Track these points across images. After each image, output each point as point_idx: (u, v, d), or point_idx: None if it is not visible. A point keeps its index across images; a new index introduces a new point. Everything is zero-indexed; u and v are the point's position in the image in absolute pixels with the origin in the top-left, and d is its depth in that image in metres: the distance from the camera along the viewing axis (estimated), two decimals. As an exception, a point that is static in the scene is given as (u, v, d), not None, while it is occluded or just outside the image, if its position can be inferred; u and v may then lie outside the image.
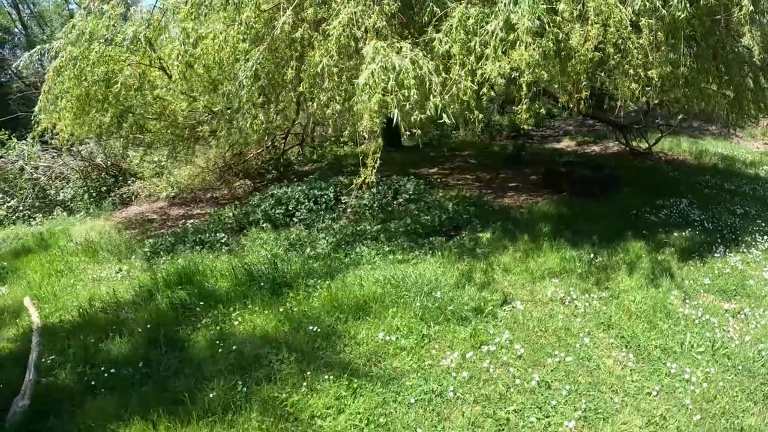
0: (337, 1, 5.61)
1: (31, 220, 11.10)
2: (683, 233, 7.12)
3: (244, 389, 4.01)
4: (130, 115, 8.63)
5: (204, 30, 6.08)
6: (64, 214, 11.15)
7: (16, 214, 11.28)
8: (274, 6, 6.11)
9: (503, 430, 3.65)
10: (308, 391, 3.96)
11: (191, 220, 9.12)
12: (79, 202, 11.61)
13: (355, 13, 5.33)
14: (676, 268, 6.13)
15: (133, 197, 11.61)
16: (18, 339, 5.25)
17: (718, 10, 5.81)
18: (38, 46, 8.39)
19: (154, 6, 7.64)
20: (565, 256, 6.25)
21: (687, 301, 5.41)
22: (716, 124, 15.49)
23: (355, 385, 3.99)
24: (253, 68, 5.66)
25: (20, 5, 25.63)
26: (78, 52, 7.25)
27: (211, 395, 3.95)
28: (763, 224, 7.63)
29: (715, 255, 6.52)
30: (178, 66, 6.15)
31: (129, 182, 11.97)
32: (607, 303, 5.30)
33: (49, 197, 12.08)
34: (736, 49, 6.68)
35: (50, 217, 11.08)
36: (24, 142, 12.24)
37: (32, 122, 8.44)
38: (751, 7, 5.47)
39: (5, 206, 11.36)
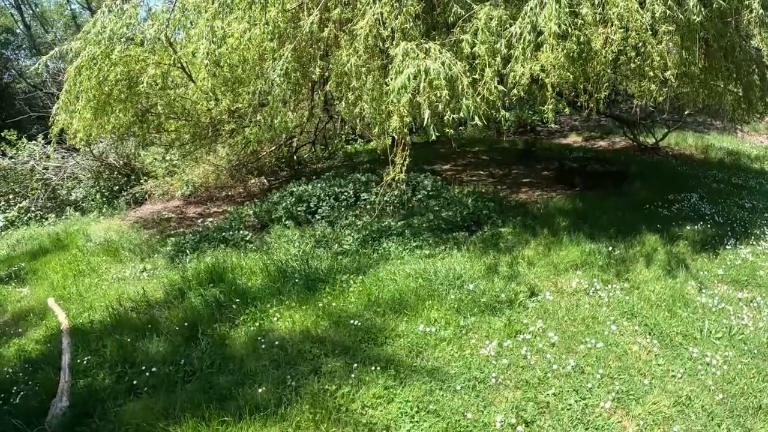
0: (362, 2, 5.76)
1: (44, 220, 11.19)
2: (695, 226, 7.32)
3: (293, 383, 4.13)
4: (151, 114, 8.73)
5: (229, 29, 6.18)
6: (77, 214, 11.23)
7: (28, 215, 11.37)
8: (297, 5, 6.24)
9: (544, 412, 3.83)
10: (356, 383, 4.10)
11: (210, 219, 9.22)
12: (92, 202, 11.69)
13: (381, 13, 5.48)
14: (691, 260, 6.32)
15: (146, 196, 11.70)
16: (47, 340, 5.32)
17: (729, 12, 6.00)
18: (57, 48, 8.46)
19: (174, 5, 7.73)
20: (585, 249, 6.44)
21: (703, 290, 5.60)
22: (721, 119, 15.67)
23: (402, 375, 4.15)
24: (284, 66, 5.79)
25: (22, 6, 25.53)
26: (99, 52, 7.32)
27: (260, 390, 4.06)
28: (772, 218, 7.82)
29: (727, 247, 6.72)
30: (207, 65, 6.23)
31: (141, 181, 12.07)
32: (628, 293, 5.50)
33: (61, 197, 12.17)
34: (745, 49, 6.87)
35: (63, 218, 11.16)
36: (34, 142, 12.33)
37: (50, 122, 8.52)
38: (761, 10, 5.66)
39: (17, 207, 11.44)
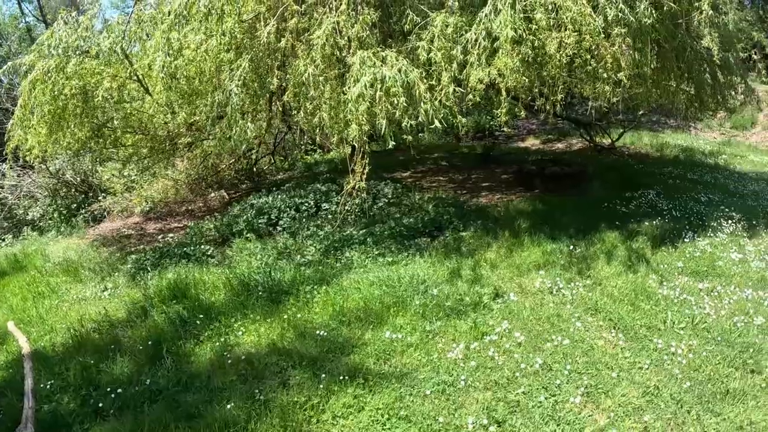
0: (319, 12, 5.77)
1: (0, 241, 10.87)
2: (653, 222, 7.49)
3: (261, 397, 4.08)
4: (107, 129, 8.55)
5: (185, 41, 6.11)
6: (35, 233, 10.94)
7: (-17, 236, 11.04)
8: (254, 16, 6.20)
9: (515, 411, 3.86)
10: (326, 393, 4.07)
11: (170, 234, 9.10)
12: (49, 221, 11.42)
13: (337, 22, 5.50)
14: (651, 255, 6.48)
15: (105, 214, 11.46)
16: (9, 366, 5.15)
17: (680, 14, 6.18)
18: (10, 62, 8.24)
19: (129, 17, 7.60)
20: (546, 250, 6.53)
21: (664, 283, 5.74)
22: (675, 118, 16.13)
23: (371, 383, 4.14)
24: (242, 77, 5.75)
25: (-25, 19, 24.87)
26: (53, 65, 7.16)
27: (228, 406, 3.99)
28: (727, 210, 8.05)
29: (685, 240, 6.89)
30: (162, 77, 6.14)
31: (100, 198, 11.81)
32: (591, 290, 5.60)
33: (17, 217, 11.86)
34: (696, 49, 7.09)
35: (20, 238, 10.87)
36: (-13, 161, 11.98)
37: (5, 138, 8.27)
38: (711, 11, 5.85)
39: (-28, 229, 11.12)
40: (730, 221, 7.54)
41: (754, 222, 7.59)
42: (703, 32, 6.16)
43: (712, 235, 7.10)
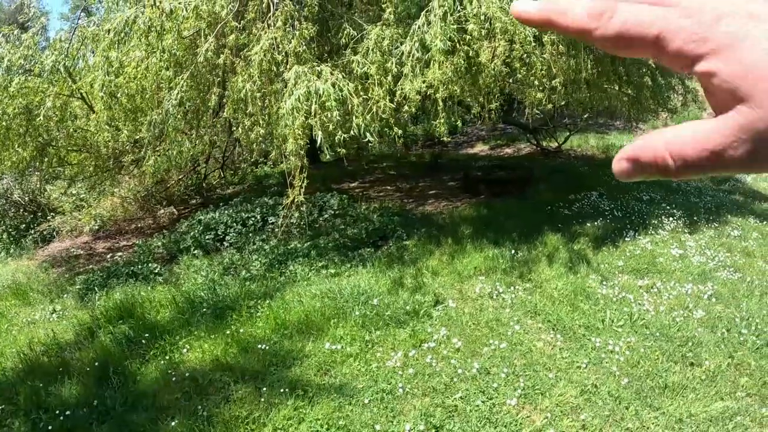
0: (258, 27, 5.81)
1: (-54, 266, 10.56)
2: (595, 223, 7.72)
3: (205, 413, 4.11)
4: (51, 148, 8.42)
5: (126, 58, 6.09)
6: (-17, 257, 10.66)
7: (-72, 261, 10.69)
8: (194, 33, 6.21)
9: (453, 415, 3.95)
10: (267, 407, 4.11)
11: (119, 253, 8.98)
12: (-1, 243, 11.12)
13: (275, 38, 5.55)
14: (592, 255, 6.67)
15: (54, 233, 11.21)
16: (-41, 393, 5.07)
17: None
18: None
19: (72, 34, 7.52)
20: (488, 255, 6.67)
21: (604, 282, 5.92)
22: (620, 120, 16.53)
23: (311, 395, 4.19)
24: (179, 96, 5.75)
25: None
26: (-4, 84, 7.07)
27: (173, 423, 4.02)
28: (668, 207, 8.34)
29: (626, 239, 7.12)
30: (102, 96, 6.10)
31: (49, 218, 11.55)
32: (531, 293, 5.75)
33: (-36, 240, 11.50)
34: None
35: (-32, 262, 10.58)
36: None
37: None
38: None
39: None
40: (671, 218, 7.79)
41: (695, 218, 7.86)
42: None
43: (653, 232, 7.33)
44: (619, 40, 0.35)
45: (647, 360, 4.49)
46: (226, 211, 8.82)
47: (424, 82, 5.05)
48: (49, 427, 4.19)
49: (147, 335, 5.39)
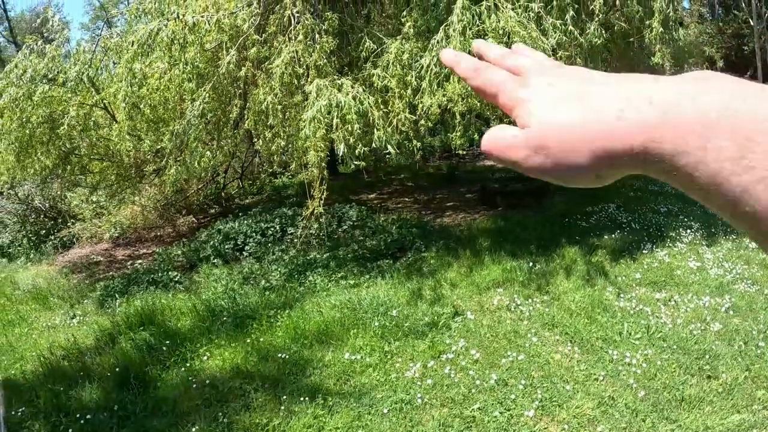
0: (279, 40, 5.92)
1: (-31, 269, 10.75)
2: (613, 235, 7.70)
3: (225, 420, 4.17)
4: (74, 156, 8.59)
5: (149, 70, 6.22)
6: (4, 260, 10.84)
7: (-48, 263, 10.91)
8: (216, 45, 6.33)
9: (471, 426, 3.97)
10: (287, 414, 4.16)
11: (139, 261, 9.09)
12: (18, 247, 11.29)
13: (296, 51, 5.65)
14: (609, 268, 6.65)
15: (74, 240, 11.38)
16: (-20, 394, 5.19)
17: (631, 33, 6.43)
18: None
19: (96, 46, 7.70)
20: (506, 267, 6.69)
21: (621, 295, 5.91)
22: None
23: (330, 403, 4.24)
24: (201, 107, 5.86)
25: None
26: (20, 93, 7.24)
27: (193, 429, 4.08)
28: (686, 220, 8.28)
29: (644, 252, 7.08)
30: (125, 107, 6.24)
31: (69, 224, 11.73)
32: (549, 305, 5.76)
33: (-14, 243, 11.72)
34: (649, 65, 7.35)
35: (-10, 265, 10.77)
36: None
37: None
38: (661, 29, 6.10)
39: (-60, 255, 10.99)
40: (689, 230, 7.74)
41: (713, 230, 7.79)
42: (654, 49, 6.40)
43: (670, 245, 7.29)
44: (478, 90, 0.51)
45: (664, 373, 4.47)
46: (245, 221, 8.91)
47: (444, 95, 5.11)
48: (69, 430, 4.27)
49: (167, 342, 5.48)
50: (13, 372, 5.52)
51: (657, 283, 6.23)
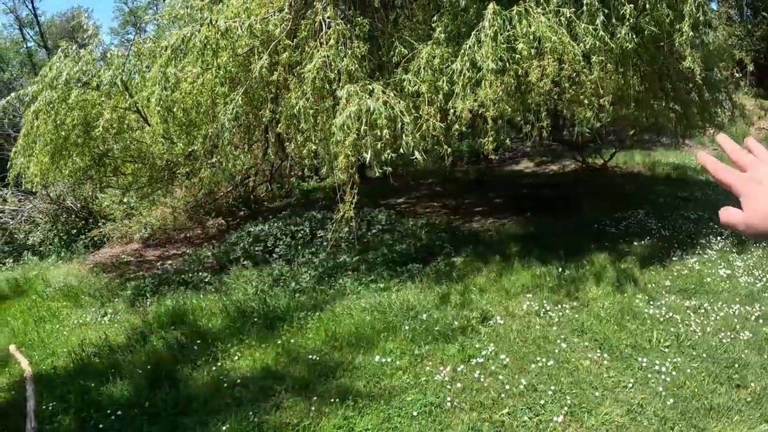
0: (311, 45, 5.98)
1: (1, 265, 11.02)
2: (642, 242, 7.63)
3: (255, 419, 4.21)
4: (107, 158, 8.76)
5: (182, 74, 6.32)
6: (35, 258, 11.09)
7: (-15, 260, 11.19)
8: (248, 50, 6.42)
9: (500, 430, 3.97)
10: (317, 415, 4.20)
11: (169, 261, 9.23)
12: (50, 246, 11.56)
13: (327, 56, 5.71)
14: (639, 274, 6.60)
15: (105, 240, 11.60)
16: (11, 387, 5.30)
17: (662, 37, 6.38)
18: (14, 93, 8.48)
19: (129, 50, 7.86)
20: (535, 273, 6.68)
21: (651, 302, 5.85)
22: (666, 136, 16.24)
23: (361, 405, 4.27)
24: (234, 111, 5.95)
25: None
26: (56, 96, 7.40)
27: (223, 428, 4.13)
28: (716, 227, 8.13)
29: (674, 259, 7.01)
30: (159, 110, 6.36)
31: (99, 225, 11.97)
32: (578, 311, 5.73)
33: (18, 241, 12.00)
34: (680, 69, 7.29)
35: (21, 262, 11.02)
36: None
37: (7, 165, 8.50)
38: (691, 33, 6.05)
39: (-27, 252, 11.27)
40: (719, 238, 7.64)
41: (743, 237, 7.66)
42: (684, 53, 6.34)
43: (700, 252, 7.21)
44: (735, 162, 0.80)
45: (693, 381, 4.42)
46: (275, 224, 9.00)
47: (475, 100, 5.12)
48: (100, 426, 4.35)
49: (198, 341, 5.57)
50: (44, 367, 5.66)
51: (687, 291, 6.16)
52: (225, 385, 4.77)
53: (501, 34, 5.33)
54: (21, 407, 4.68)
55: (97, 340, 6.02)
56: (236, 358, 5.25)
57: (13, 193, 12.04)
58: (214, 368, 5.10)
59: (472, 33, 5.47)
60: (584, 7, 5.59)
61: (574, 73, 5.56)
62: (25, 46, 29.51)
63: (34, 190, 9.42)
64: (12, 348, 6.20)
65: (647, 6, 5.97)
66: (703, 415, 4.01)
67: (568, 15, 5.55)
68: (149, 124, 7.94)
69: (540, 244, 7.72)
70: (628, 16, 5.66)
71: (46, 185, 10.24)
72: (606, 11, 5.59)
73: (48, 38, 29.37)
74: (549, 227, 8.63)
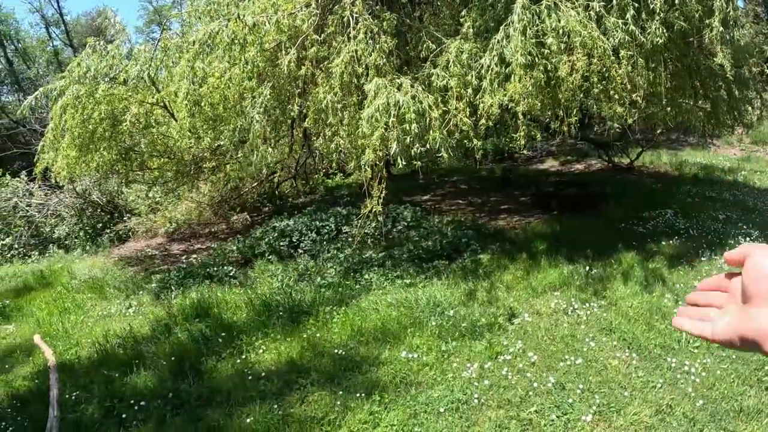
0: (338, 40, 5.97)
1: (27, 257, 11.19)
2: (670, 241, 7.52)
3: (280, 412, 4.22)
4: (134, 153, 8.84)
5: (209, 69, 6.35)
6: (60, 251, 11.23)
7: (11, 252, 11.38)
8: (275, 45, 6.42)
9: (527, 429, 3.94)
10: (342, 410, 4.19)
11: (194, 255, 9.29)
12: (75, 240, 11.69)
13: (356, 51, 5.69)
14: (667, 274, 6.50)
15: (130, 234, 11.72)
16: (35, 376, 5.37)
17: (691, 33, 6.27)
18: (42, 88, 8.60)
19: (156, 46, 7.92)
20: (563, 271, 6.60)
21: (680, 303, 5.73)
22: (694, 135, 16.02)
23: (387, 400, 4.26)
24: (263, 104, 5.96)
25: (5, 42, 25.82)
26: (83, 91, 7.48)
27: (248, 420, 4.14)
28: (745, 227, 8.05)
29: (702, 259, 6.90)
30: (187, 105, 6.39)
31: (124, 219, 12.09)
32: (606, 310, 5.65)
33: (44, 235, 12.16)
34: (709, 66, 7.16)
35: (46, 255, 11.16)
36: (17, 179, 12.39)
37: (34, 159, 8.61)
38: (721, 28, 5.93)
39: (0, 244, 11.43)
40: (748, 238, 7.52)
41: (773, 240, 7.57)
42: (715, 49, 6.23)
43: (729, 252, 7.09)
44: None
45: (722, 382, 4.36)
46: (300, 219, 9.03)
47: (504, 95, 5.07)
48: (123, 415, 4.40)
49: (223, 334, 5.59)
50: (67, 357, 5.72)
51: (717, 292, 6.05)
52: (249, 377, 4.78)
53: (530, 29, 5.27)
54: (44, 396, 4.76)
55: (121, 331, 6.08)
56: (261, 351, 5.26)
57: (39, 187, 12.21)
58: (238, 361, 5.13)
59: (501, 27, 5.41)
60: (614, 1, 5.52)
61: (604, 68, 5.48)
62: (51, 44, 30.00)
63: (61, 184, 9.53)
64: (36, 338, 6.29)
65: (677, 1, 5.87)
66: (733, 417, 3.96)
67: (597, 9, 5.48)
68: (175, 119, 7.98)
69: (567, 242, 7.64)
70: (658, 11, 5.57)
71: (73, 179, 10.36)
72: (636, 5, 5.51)
73: (73, 37, 29.82)
74: (575, 226, 8.53)
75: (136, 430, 4.23)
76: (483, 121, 5.17)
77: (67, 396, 4.75)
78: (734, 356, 4.70)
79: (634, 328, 5.25)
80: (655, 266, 6.70)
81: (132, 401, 4.55)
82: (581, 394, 4.25)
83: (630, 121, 6.41)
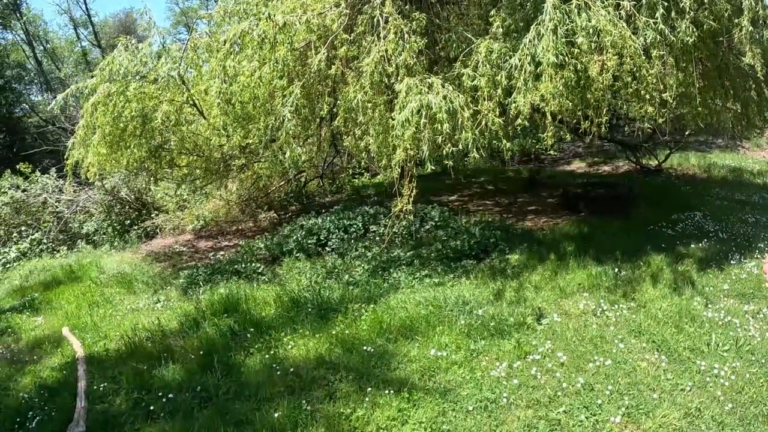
0: (368, 40, 6.01)
1: (55, 252, 11.40)
2: (700, 244, 7.44)
3: (308, 407, 4.27)
4: (164, 150, 8.95)
5: (240, 67, 6.42)
6: (89, 247, 11.42)
7: (40, 247, 11.59)
8: (305, 44, 6.48)
9: (556, 429, 3.94)
10: (371, 406, 4.23)
11: (221, 252, 9.40)
12: (103, 236, 11.89)
13: (386, 50, 5.72)
14: (697, 277, 6.43)
15: (157, 230, 11.88)
16: (63, 368, 5.48)
17: (721, 32, 6.20)
18: (73, 86, 8.75)
19: (186, 44, 8.02)
20: (591, 273, 6.56)
21: (709, 305, 5.69)
22: (723, 137, 15.80)
23: (415, 398, 4.28)
24: (294, 103, 6.01)
25: (34, 42, 26.37)
26: (114, 89, 7.60)
27: (276, 414, 4.19)
28: (775, 231, 7.94)
29: (732, 262, 6.82)
30: (219, 103, 6.47)
31: (153, 216, 12.26)
32: (635, 312, 5.61)
33: (72, 230, 12.38)
34: (739, 66, 7.06)
35: (75, 250, 11.36)
36: (47, 175, 12.64)
37: (64, 156, 8.77)
38: (751, 28, 5.86)
39: (29, 239, 11.66)
40: (778, 242, 7.42)
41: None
42: (744, 49, 6.15)
43: (759, 256, 7.01)
44: None
45: (752, 386, 4.32)
46: (328, 218, 9.09)
47: (536, 95, 5.06)
48: (151, 407, 4.47)
49: (252, 330, 5.66)
50: (96, 349, 5.84)
51: (745, 295, 6.00)
52: (278, 372, 4.84)
53: (560, 28, 5.25)
54: (71, 387, 4.86)
55: (149, 325, 6.17)
56: (289, 347, 5.32)
57: (69, 183, 12.43)
58: (267, 356, 5.18)
59: (531, 27, 5.40)
60: (643, 1, 5.47)
61: (635, 68, 5.45)
62: (79, 45, 30.57)
63: (90, 180, 9.69)
64: (65, 330, 6.43)
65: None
66: (762, 422, 3.93)
67: (627, 8, 5.44)
68: (204, 117, 8.08)
69: (595, 244, 7.58)
70: (688, 9, 5.51)
71: (103, 176, 10.53)
72: (665, 4, 5.47)
73: (101, 37, 30.34)
74: (604, 228, 8.47)
75: (163, 422, 4.30)
76: (519, 120, 5.15)
77: (95, 387, 4.85)
78: (763, 360, 4.66)
79: (664, 330, 5.21)
80: (684, 269, 6.64)
81: (160, 394, 4.62)
82: (610, 396, 4.24)
83: (660, 120, 6.34)
